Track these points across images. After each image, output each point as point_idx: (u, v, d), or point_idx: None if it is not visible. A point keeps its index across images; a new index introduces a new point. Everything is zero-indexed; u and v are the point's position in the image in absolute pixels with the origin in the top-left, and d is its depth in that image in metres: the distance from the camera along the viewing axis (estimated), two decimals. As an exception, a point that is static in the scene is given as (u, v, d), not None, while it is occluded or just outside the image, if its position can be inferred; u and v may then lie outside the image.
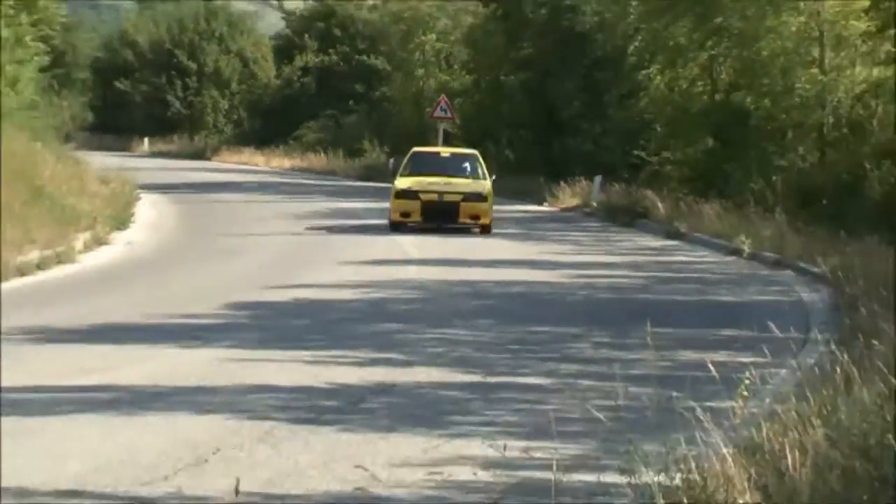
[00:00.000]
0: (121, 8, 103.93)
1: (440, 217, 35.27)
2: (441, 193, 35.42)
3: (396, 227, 35.27)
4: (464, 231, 36.25)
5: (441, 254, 29.75)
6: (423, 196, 35.31)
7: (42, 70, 42.93)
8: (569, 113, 49.27)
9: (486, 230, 35.31)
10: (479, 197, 35.66)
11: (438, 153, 41.22)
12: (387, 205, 37.01)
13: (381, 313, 21.28)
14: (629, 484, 8.25)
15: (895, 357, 10.27)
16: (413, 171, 37.05)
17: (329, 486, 10.12)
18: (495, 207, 41.86)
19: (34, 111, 41.87)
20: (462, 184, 36.28)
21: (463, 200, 35.34)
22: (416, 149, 41.54)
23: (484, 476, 10.52)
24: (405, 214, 35.51)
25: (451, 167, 37.83)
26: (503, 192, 47.90)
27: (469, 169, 37.73)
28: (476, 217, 35.33)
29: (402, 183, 36.08)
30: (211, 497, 9.52)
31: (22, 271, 25.44)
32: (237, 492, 6.40)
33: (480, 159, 38.54)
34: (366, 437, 12.12)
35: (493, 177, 37.83)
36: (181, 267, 28.42)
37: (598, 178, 44.22)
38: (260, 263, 28.72)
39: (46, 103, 46.26)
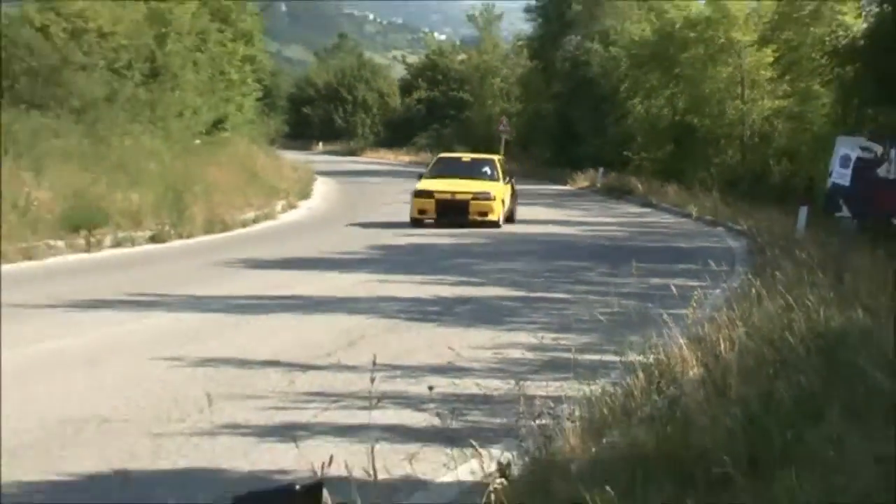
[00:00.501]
0: (307, 63, 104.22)
1: (452, 214, 26.48)
2: (453, 193, 26.71)
3: (416, 223, 26.69)
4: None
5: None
6: (437, 195, 26.68)
7: (258, 100, 43.11)
8: (582, 128, 48.94)
9: (494, 225, 26.46)
10: (487, 196, 26.75)
11: (460, 158, 31.37)
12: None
13: (464, 252, 21.21)
14: (620, 361, 8.18)
15: (790, 283, 10.13)
16: (436, 174, 28.34)
17: (431, 360, 10.10)
18: (536, 187, 41.47)
19: (252, 125, 42.07)
20: (475, 185, 27.16)
21: (472, 199, 26.60)
22: (441, 154, 33.86)
23: (529, 355, 10.48)
24: (422, 211, 26.77)
25: (471, 170, 28.47)
26: (541, 177, 47.85)
27: (488, 172, 28.30)
28: (484, 214, 26.56)
29: (421, 184, 27.56)
30: (358, 366, 9.50)
31: (244, 224, 25.61)
32: (374, 363, 6.35)
33: (497, 163, 29.10)
34: (454, 329, 12.12)
35: (512, 178, 29.25)
36: (341, 222, 28.36)
37: (601, 169, 43.99)
38: (389, 220, 28.70)
39: (260, 121, 46.45)
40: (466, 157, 31.76)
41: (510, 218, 28.04)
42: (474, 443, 5.52)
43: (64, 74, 26.08)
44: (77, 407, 8.25)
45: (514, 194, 28.63)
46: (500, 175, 28.08)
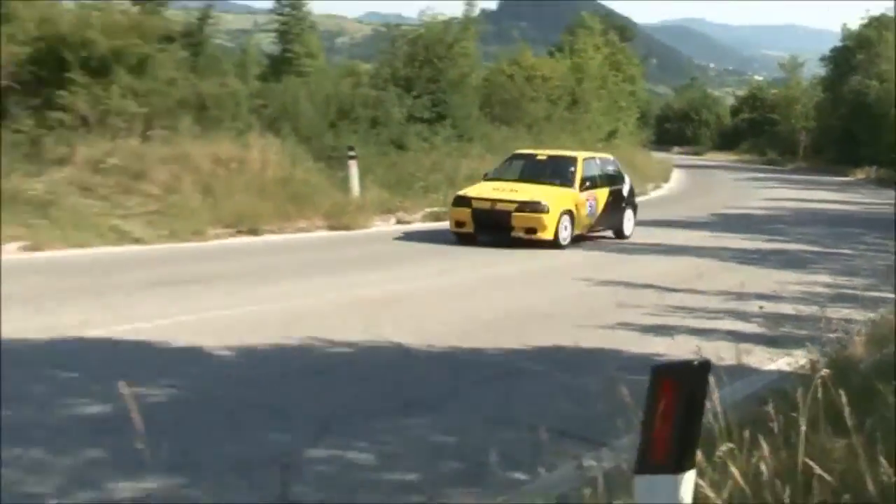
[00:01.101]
0: (669, 95, 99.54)
1: (492, 227, 12.44)
2: (494, 201, 12.46)
3: (459, 237, 12.64)
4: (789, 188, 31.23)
5: (791, 196, 26.89)
6: (475, 203, 12.54)
7: (637, 119, 42.15)
8: (861, 137, 44.30)
9: (551, 245, 12.40)
10: (537, 207, 12.38)
11: (535, 156, 14.21)
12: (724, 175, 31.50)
13: (773, 220, 19.44)
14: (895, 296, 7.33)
15: None
16: (500, 176, 13.49)
17: (756, 290, 9.26)
18: (824, 178, 37.79)
19: (633, 135, 40.94)
20: (531, 190, 12.70)
21: (516, 210, 12.33)
22: (516, 151, 15.48)
23: (826, 290, 9.60)
24: (459, 224, 12.65)
25: (545, 172, 13.35)
26: (828, 172, 43.63)
27: (570, 174, 13.24)
28: (532, 230, 12.33)
29: (466, 189, 13.32)
30: (705, 291, 9.06)
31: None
32: (762, 300, 6.00)
33: (579, 164, 13.46)
34: (770, 271, 11.29)
35: (622, 183, 14.65)
36: (689, 197, 27.20)
37: (875, 166, 39.78)
38: (718, 198, 27.03)
39: (637, 132, 44.51)
40: (542, 154, 14.53)
41: (619, 233, 14.39)
42: (808, 344, 5.11)
43: (521, 103, 27.02)
44: (526, 305, 8.41)
45: (615, 200, 14.17)
46: (578, 180, 13.31)
